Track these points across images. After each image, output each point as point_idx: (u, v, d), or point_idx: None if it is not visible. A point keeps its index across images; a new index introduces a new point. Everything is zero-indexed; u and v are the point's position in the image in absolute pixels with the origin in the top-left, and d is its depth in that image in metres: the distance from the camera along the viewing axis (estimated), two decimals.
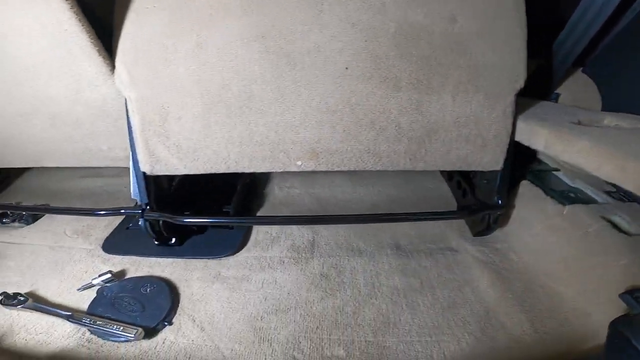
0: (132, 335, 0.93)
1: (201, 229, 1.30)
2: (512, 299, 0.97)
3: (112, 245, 1.25)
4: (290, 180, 1.61)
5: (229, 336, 0.91)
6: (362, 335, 0.89)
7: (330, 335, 0.89)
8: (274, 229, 1.33)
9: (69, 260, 1.19)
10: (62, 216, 1.40)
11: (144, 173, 1.08)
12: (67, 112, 1.08)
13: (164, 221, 1.14)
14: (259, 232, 1.32)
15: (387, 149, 1.01)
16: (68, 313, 0.98)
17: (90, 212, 1.20)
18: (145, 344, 0.94)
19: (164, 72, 0.93)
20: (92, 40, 0.90)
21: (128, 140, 1.05)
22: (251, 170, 1.07)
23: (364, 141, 1.00)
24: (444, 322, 0.92)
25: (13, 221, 1.40)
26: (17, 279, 1.13)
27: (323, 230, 1.34)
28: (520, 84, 0.96)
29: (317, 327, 0.92)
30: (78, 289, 1.08)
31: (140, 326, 0.96)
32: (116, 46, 0.94)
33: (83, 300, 1.06)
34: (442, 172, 1.63)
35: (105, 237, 1.30)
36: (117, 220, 1.37)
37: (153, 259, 1.21)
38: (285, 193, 1.55)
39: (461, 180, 1.33)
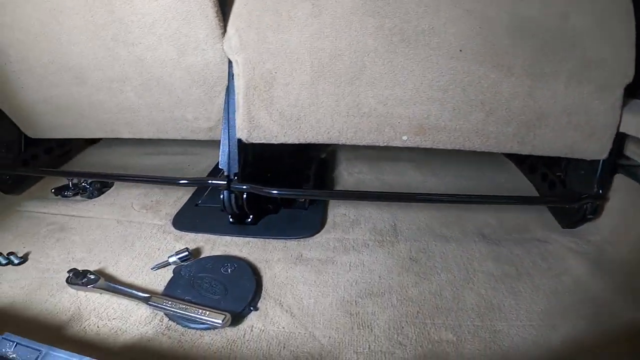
0: (220, 322, 0.71)
1: (276, 208, 1.05)
2: (616, 288, 0.82)
3: (182, 221, 1.01)
4: (359, 167, 1.37)
5: (322, 322, 0.74)
6: (467, 319, 0.75)
7: (433, 320, 0.75)
8: (352, 212, 1.09)
9: (139, 236, 0.95)
10: (128, 190, 1.16)
11: (239, 141, 0.90)
12: (164, 78, 0.95)
13: (247, 195, 0.88)
14: (335, 215, 1.08)
15: (495, 131, 0.90)
16: (146, 295, 0.74)
17: (171, 181, 0.95)
18: (231, 332, 0.72)
19: (275, 38, 0.84)
20: (212, 1, 0.84)
21: (215, 111, 0.98)
22: (353, 142, 0.90)
23: (473, 121, 0.89)
24: (552, 308, 0.78)
25: (75, 194, 1.16)
26: (83, 255, 0.89)
27: (402, 215, 1.10)
28: (629, 78, 0.87)
29: (418, 312, 0.77)
30: (152, 268, 0.84)
31: (225, 311, 0.73)
32: (230, 10, 0.86)
33: (157, 281, 0.82)
34: (519, 165, 1.36)
35: (175, 213, 1.04)
36: (185, 195, 1.14)
37: (227, 238, 0.98)
38: (355, 178, 1.31)
39: (548, 172, 1.16)
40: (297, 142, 0.90)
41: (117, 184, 1.23)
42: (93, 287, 0.79)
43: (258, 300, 0.79)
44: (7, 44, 0.97)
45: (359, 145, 1.54)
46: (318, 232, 1.01)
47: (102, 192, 1.18)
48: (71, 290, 0.80)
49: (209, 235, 0.98)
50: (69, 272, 0.80)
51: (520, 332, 0.71)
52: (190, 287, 0.80)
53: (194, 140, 1.52)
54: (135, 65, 0.94)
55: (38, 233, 1.01)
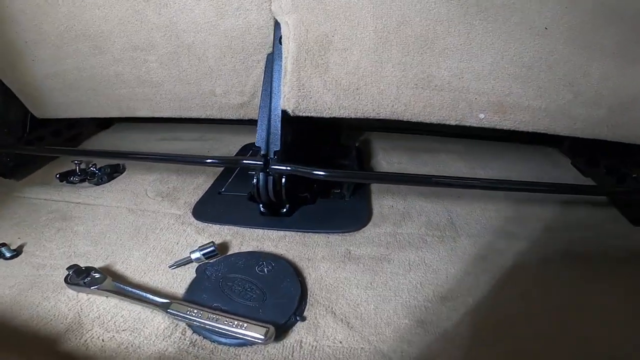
0: (261, 337, 0.54)
1: (313, 197, 0.87)
2: None
3: (204, 211, 0.85)
4: (397, 157, 1.19)
5: (389, 334, 0.58)
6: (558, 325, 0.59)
7: (523, 327, 0.59)
8: (400, 203, 0.92)
9: (154, 228, 0.79)
10: (142, 176, 1.00)
11: (284, 113, 0.75)
12: (195, 45, 0.81)
13: (287, 179, 0.71)
14: (382, 207, 0.91)
15: (583, 114, 0.78)
16: (165, 300, 0.57)
17: (196, 161, 0.78)
18: (275, 349, 0.55)
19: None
20: None
21: (250, 84, 0.84)
22: (420, 119, 0.75)
23: (559, 102, 0.76)
24: None
25: (82, 180, 1.00)
26: (87, 249, 0.73)
27: (456, 207, 0.92)
28: None
29: (504, 318, 0.61)
30: (170, 266, 0.67)
31: (265, 322, 0.56)
32: None
33: (177, 282, 0.66)
34: (576, 159, 1.17)
35: (195, 201, 0.87)
36: (206, 182, 0.97)
37: (259, 231, 0.81)
38: (396, 169, 1.14)
39: (616, 165, 1.00)
40: (354, 116, 0.74)
41: (129, 169, 1.07)
42: (97, 288, 0.62)
43: (304, 308, 0.62)
44: (19, 10, 0.84)
45: (393, 134, 1.41)
46: (364, 225, 0.83)
47: (113, 178, 1.02)
48: (70, 292, 0.64)
49: (236, 227, 0.81)
50: (68, 269, 0.64)
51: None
52: (219, 290, 0.63)
53: (212, 125, 1.39)
54: (165, 30, 0.80)
55: (37, 222, 0.85)
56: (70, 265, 0.64)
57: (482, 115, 0.74)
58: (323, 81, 0.70)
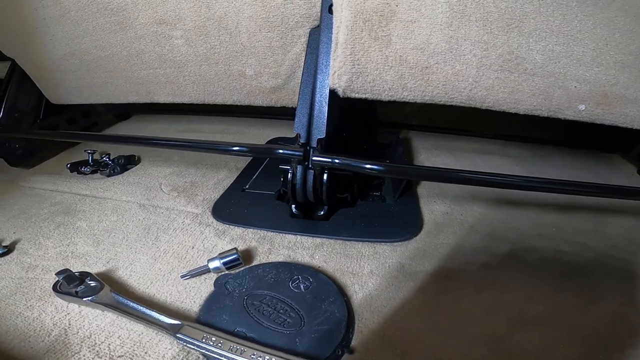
0: None
1: (353, 198, 0.71)
2: None
3: (225, 210, 0.70)
4: (443, 157, 1.02)
5: None
6: None
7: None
8: (455, 209, 0.76)
9: (167, 227, 0.64)
10: (157, 168, 0.87)
11: (332, 94, 0.60)
12: (227, 17, 0.68)
13: (329, 174, 0.56)
14: (434, 213, 0.74)
15: None
16: (174, 321, 0.42)
17: (222, 148, 0.64)
18: None
19: None
20: None
21: (287, 64, 0.70)
22: (505, 107, 0.59)
23: None
24: None
25: (94, 172, 0.87)
26: (87, 249, 0.59)
27: (522, 216, 0.75)
28: None
29: (605, 344, 0.46)
30: (183, 276, 0.52)
31: (304, 356, 0.42)
32: None
33: (190, 296, 0.50)
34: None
35: (215, 198, 0.73)
36: (228, 178, 0.82)
37: (290, 237, 0.66)
38: None
39: None
40: (419, 100, 0.59)
41: (144, 160, 0.94)
42: (91, 300, 0.48)
43: (352, 337, 0.46)
44: None
45: (433, 134, 1.24)
46: (417, 234, 0.67)
47: (126, 169, 0.89)
48: (59, 302, 0.50)
49: (263, 231, 0.66)
50: (58, 274, 0.50)
51: None
52: (243, 311, 0.48)
53: (235, 118, 1.25)
54: (194, 0, 0.67)
55: (37, 215, 0.72)
56: (61, 270, 0.50)
57: (582, 107, 0.58)
58: (384, 56, 0.55)
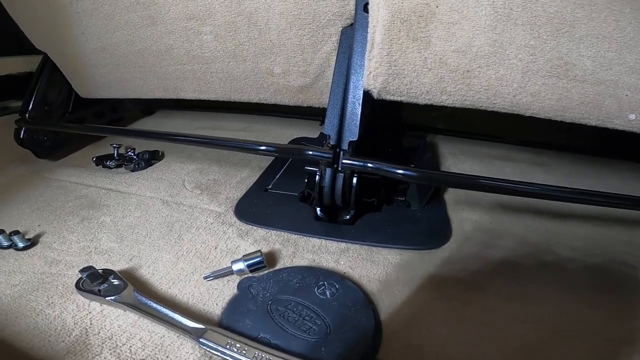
0: None
1: (379, 203, 0.67)
2: None
3: (248, 210, 0.67)
4: (469, 164, 0.97)
5: None
6: None
7: None
8: (484, 218, 0.71)
9: (190, 226, 0.62)
10: (180, 164, 0.84)
11: (365, 95, 0.56)
12: (258, 14, 0.65)
13: (359, 178, 0.52)
14: (463, 221, 0.70)
15: None
16: (197, 325, 0.39)
17: (248, 147, 0.62)
18: None
19: None
20: None
21: (317, 62, 0.67)
22: (551, 114, 0.55)
23: None
24: None
25: (119, 166, 0.86)
26: (111, 245, 0.57)
27: (556, 227, 0.69)
28: None
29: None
30: (206, 277, 0.49)
31: None
32: None
33: (212, 298, 0.48)
34: None
35: (238, 197, 0.70)
36: (251, 177, 0.80)
37: (315, 240, 0.63)
38: None
39: None
40: (459, 105, 0.55)
41: (168, 156, 0.92)
42: (114, 299, 0.45)
43: (379, 347, 0.43)
44: None
45: (459, 139, 1.19)
46: (445, 243, 0.63)
47: (150, 165, 0.88)
48: (81, 300, 0.48)
49: (287, 233, 0.63)
50: (82, 271, 0.48)
51: None
52: (267, 317, 0.45)
53: (259, 116, 1.23)
54: None
55: (61, 208, 0.71)
56: (85, 267, 0.48)
57: (632, 116, 0.53)
58: (422, 58, 0.51)
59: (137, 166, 0.85)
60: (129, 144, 0.96)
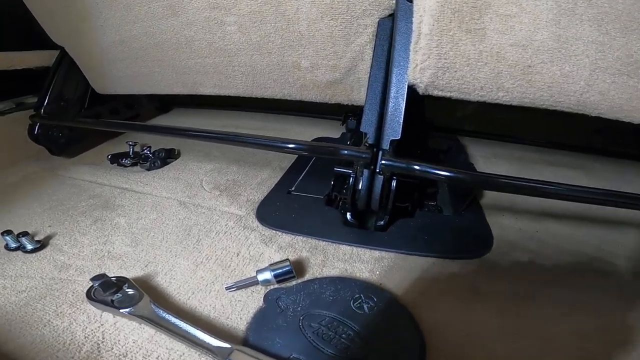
0: None
1: (413, 208, 0.61)
2: None
3: (271, 214, 0.62)
4: (505, 167, 0.90)
5: None
6: None
7: None
8: (528, 225, 0.66)
9: (209, 230, 0.57)
10: (198, 164, 0.80)
11: (410, 90, 0.50)
12: (286, 2, 0.59)
13: (398, 181, 0.47)
14: (504, 228, 0.64)
15: None
16: (222, 344, 0.33)
17: (274, 144, 0.57)
18: None
19: None
20: None
21: (348, 56, 0.61)
22: (617, 115, 0.48)
23: None
24: None
25: (134, 164, 0.82)
26: (125, 250, 0.52)
27: (605, 234, 0.63)
28: None
29: None
30: (228, 287, 0.44)
31: None
32: None
33: (236, 311, 0.42)
34: None
35: (259, 200, 0.64)
36: (272, 178, 0.75)
37: (345, 247, 0.57)
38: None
39: None
40: (516, 103, 0.50)
41: (184, 154, 0.88)
42: (129, 311, 0.40)
43: None
44: None
45: (488, 141, 1.12)
46: (488, 251, 0.57)
47: (167, 163, 0.83)
48: (92, 309, 0.43)
49: (314, 239, 0.58)
50: (94, 279, 0.43)
51: None
52: (299, 334, 0.40)
53: (277, 115, 1.18)
54: None
55: (74, 208, 0.67)
56: (97, 275, 0.43)
57: None
58: (477, 51, 0.46)
59: (153, 165, 0.81)
60: (146, 141, 0.92)
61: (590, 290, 0.50)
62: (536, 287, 0.50)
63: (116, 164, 0.86)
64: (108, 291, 0.42)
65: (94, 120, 0.92)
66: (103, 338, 0.39)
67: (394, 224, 0.62)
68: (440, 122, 1.09)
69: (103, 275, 0.43)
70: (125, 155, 0.87)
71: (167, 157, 0.85)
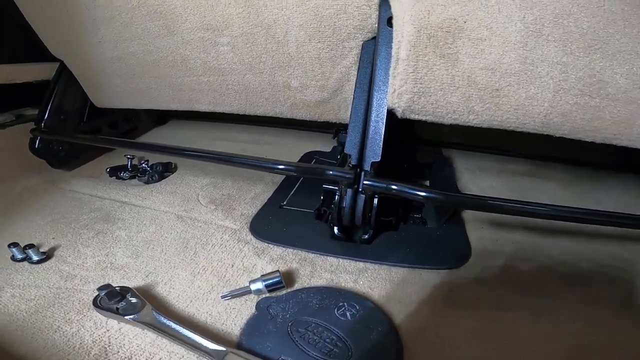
0: None
1: (397, 222, 0.67)
2: None
3: (264, 228, 0.68)
4: (489, 180, 0.96)
5: None
6: None
7: None
8: (504, 236, 0.72)
9: (205, 243, 0.62)
10: (194, 178, 0.85)
11: (389, 113, 0.57)
12: (276, 26, 0.65)
13: (380, 199, 0.52)
14: (482, 240, 0.70)
15: None
16: (218, 347, 0.39)
17: (265, 166, 0.62)
18: None
19: None
20: None
21: (335, 77, 0.67)
22: (582, 135, 0.55)
23: None
24: None
25: (132, 177, 0.87)
26: (126, 261, 0.57)
27: (577, 245, 0.69)
28: None
29: None
30: (223, 296, 0.50)
31: None
32: None
33: (230, 318, 0.48)
34: None
35: (252, 214, 0.70)
36: (265, 192, 0.81)
37: (332, 259, 0.63)
38: (490, 194, 0.88)
39: None
40: (486, 125, 0.55)
41: (181, 168, 0.93)
42: (133, 318, 0.45)
43: None
44: None
45: (475, 153, 1.18)
46: (466, 261, 0.63)
47: (164, 177, 0.88)
48: (98, 317, 0.48)
49: (303, 251, 0.63)
50: (100, 289, 0.48)
51: None
52: (288, 339, 0.45)
53: (270, 128, 1.24)
54: (244, 5, 0.65)
55: (76, 221, 0.71)
56: (103, 285, 0.48)
57: None
58: (450, 75, 0.51)
59: (151, 178, 0.86)
60: (143, 154, 0.97)
61: (560, 297, 0.56)
62: (508, 294, 0.56)
63: (115, 177, 0.91)
64: (113, 300, 0.47)
65: (94, 137, 0.97)
66: (109, 342, 0.44)
67: (379, 237, 0.67)
68: (427, 135, 1.15)
69: (108, 286, 0.48)
70: (123, 168, 0.92)
71: (165, 170, 0.90)
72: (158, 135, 1.20)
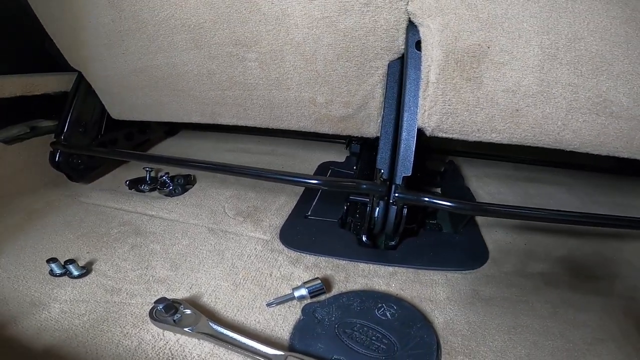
0: None
1: (418, 228, 0.73)
2: None
3: (294, 238, 0.72)
4: (495, 186, 1.03)
5: None
6: None
7: None
8: (518, 239, 0.78)
9: (240, 254, 0.66)
10: (216, 190, 0.88)
11: (419, 132, 0.61)
12: (306, 44, 0.67)
13: (408, 209, 0.57)
14: (497, 242, 0.76)
15: None
16: (277, 352, 0.43)
17: (298, 180, 0.65)
18: None
19: (487, 6, 0.55)
20: None
21: (361, 94, 0.70)
22: (589, 149, 0.60)
23: None
24: None
25: (152, 190, 0.88)
26: (167, 274, 0.60)
27: (584, 245, 0.76)
28: None
29: None
30: (268, 303, 0.53)
31: None
32: None
33: (278, 324, 0.52)
34: None
35: (280, 224, 0.73)
36: (288, 203, 0.85)
37: (363, 265, 0.67)
38: (498, 200, 0.97)
39: None
40: (506, 142, 0.61)
41: (200, 181, 0.95)
42: (192, 329, 0.48)
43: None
44: None
45: (479, 160, 1.24)
46: (484, 263, 0.69)
47: (186, 190, 0.90)
48: (154, 329, 0.50)
49: (335, 259, 0.67)
50: (157, 302, 0.50)
51: None
52: (337, 339, 0.48)
53: (283, 138, 1.27)
54: (274, 23, 0.67)
55: (107, 234, 0.73)
56: (160, 298, 0.51)
57: None
58: (475, 97, 0.57)
59: (173, 192, 0.88)
60: (160, 166, 0.99)
61: (575, 292, 0.61)
62: (527, 289, 0.62)
63: (134, 190, 0.92)
64: (169, 312, 0.49)
65: (116, 151, 0.98)
66: (172, 354, 0.47)
67: (402, 243, 0.72)
68: (435, 143, 1.20)
69: (165, 299, 0.50)
70: (142, 181, 0.94)
71: (186, 183, 0.92)
72: (171, 147, 1.22)
